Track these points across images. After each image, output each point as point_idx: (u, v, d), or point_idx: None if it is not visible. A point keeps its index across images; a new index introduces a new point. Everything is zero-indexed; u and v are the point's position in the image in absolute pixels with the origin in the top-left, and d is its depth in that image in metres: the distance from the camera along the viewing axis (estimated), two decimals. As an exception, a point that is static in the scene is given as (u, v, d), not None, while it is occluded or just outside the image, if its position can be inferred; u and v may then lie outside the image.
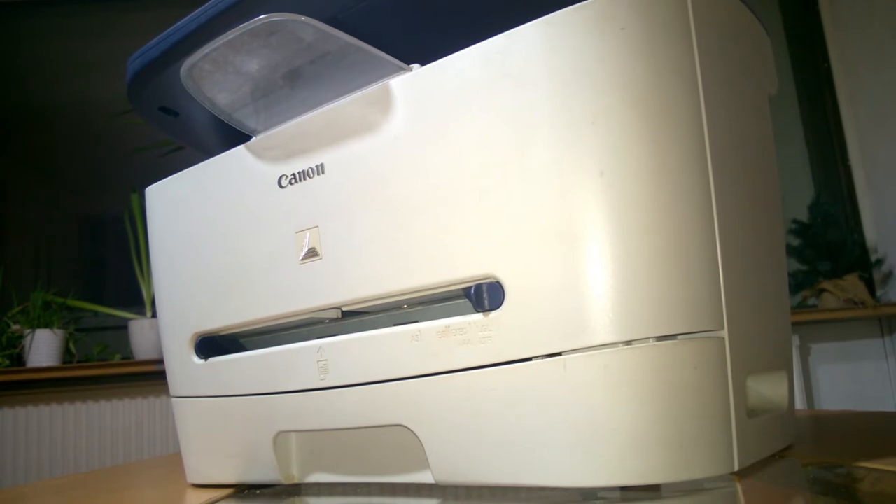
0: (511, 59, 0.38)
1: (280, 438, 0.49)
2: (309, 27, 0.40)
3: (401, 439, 0.44)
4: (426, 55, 0.42)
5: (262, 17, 0.40)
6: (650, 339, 0.36)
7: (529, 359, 0.37)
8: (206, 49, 0.42)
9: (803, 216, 1.97)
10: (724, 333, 0.38)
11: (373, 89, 0.43)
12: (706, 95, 0.38)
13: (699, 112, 0.38)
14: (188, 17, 0.50)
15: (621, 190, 0.36)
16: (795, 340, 2.01)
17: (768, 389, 0.45)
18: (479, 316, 0.39)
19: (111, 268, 2.35)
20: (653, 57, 0.37)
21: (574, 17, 0.37)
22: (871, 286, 2.05)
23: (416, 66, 0.42)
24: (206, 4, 0.49)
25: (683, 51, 0.38)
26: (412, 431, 0.42)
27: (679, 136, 0.37)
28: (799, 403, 2.02)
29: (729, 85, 0.42)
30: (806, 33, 2.14)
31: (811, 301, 2.03)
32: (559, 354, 0.37)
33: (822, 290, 1.95)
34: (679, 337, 0.37)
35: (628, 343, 0.36)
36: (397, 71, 0.43)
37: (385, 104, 0.43)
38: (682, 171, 0.37)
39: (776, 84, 0.53)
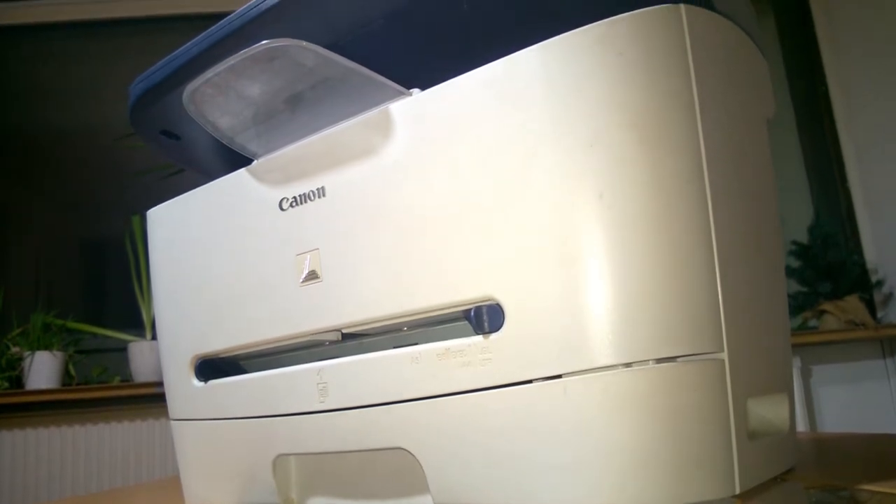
0: (510, 83, 0.39)
1: (279, 461, 0.49)
2: (310, 52, 0.41)
3: (401, 462, 0.44)
4: (426, 79, 0.42)
5: (263, 42, 0.40)
6: (650, 362, 0.36)
7: (530, 381, 0.37)
8: (209, 74, 0.43)
9: (803, 237, 1.98)
10: (724, 355, 0.38)
11: (373, 113, 0.44)
12: (703, 118, 0.39)
13: (697, 135, 0.38)
14: (190, 42, 0.51)
15: (620, 212, 0.36)
16: (797, 362, 2.01)
17: (769, 411, 0.45)
18: (479, 338, 0.39)
19: (111, 290, 2.35)
20: (650, 81, 0.37)
21: (572, 42, 0.38)
22: (871, 307, 2.05)
23: (416, 90, 0.43)
24: (209, 30, 0.50)
25: (681, 75, 0.38)
26: (412, 454, 0.42)
27: (677, 158, 0.37)
28: (801, 425, 2.01)
29: (726, 108, 0.42)
30: (803, 57, 2.16)
31: (812, 322, 2.02)
32: (559, 377, 0.37)
33: (823, 312, 1.95)
34: (679, 359, 0.37)
35: (628, 365, 0.36)
36: (398, 95, 0.43)
37: (385, 128, 0.43)
38: (681, 194, 0.37)
39: (773, 107, 0.53)
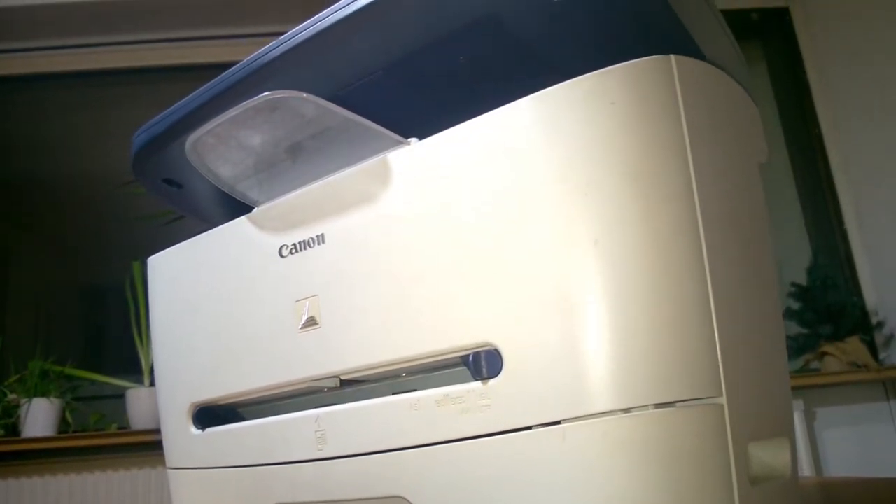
0: (506, 133, 0.39)
1: (277, 511, 0.48)
2: (310, 104, 0.42)
3: (400, 511, 0.44)
4: (424, 128, 0.43)
5: (265, 94, 0.41)
6: (649, 407, 0.36)
7: (529, 427, 0.37)
8: (211, 124, 0.44)
9: (802, 279, 1.98)
10: (723, 400, 0.38)
11: (372, 162, 0.44)
12: (696, 165, 0.39)
13: (690, 181, 0.39)
14: (193, 93, 0.52)
15: (615, 258, 0.37)
16: (800, 405, 1.99)
17: (771, 456, 0.45)
18: (477, 384, 0.39)
19: (110, 336, 2.35)
20: (643, 129, 0.38)
21: (566, 93, 0.39)
22: (873, 349, 2.04)
23: (414, 139, 0.44)
24: (212, 82, 0.51)
25: (672, 122, 0.39)
26: (410, 503, 0.41)
27: (671, 204, 0.38)
28: (805, 469, 1.98)
29: (718, 154, 0.43)
30: (796, 101, 2.20)
31: (814, 365, 2.01)
32: (558, 423, 0.37)
33: (825, 354, 1.94)
34: (678, 404, 0.37)
35: (627, 411, 0.36)
36: (396, 145, 0.44)
37: (384, 177, 0.44)
38: (676, 239, 0.38)
39: (766, 152, 0.54)
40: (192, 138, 0.45)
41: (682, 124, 0.39)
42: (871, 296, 2.13)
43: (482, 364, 0.39)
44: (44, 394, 1.89)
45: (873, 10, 1.93)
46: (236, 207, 0.51)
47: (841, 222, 2.13)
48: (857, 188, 2.12)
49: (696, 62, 0.42)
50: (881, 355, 2.08)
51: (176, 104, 0.53)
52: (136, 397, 1.95)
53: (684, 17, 0.43)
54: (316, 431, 0.45)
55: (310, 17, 0.47)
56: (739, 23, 2.14)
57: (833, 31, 2.09)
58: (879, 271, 2.11)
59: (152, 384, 1.91)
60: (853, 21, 2.02)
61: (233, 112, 0.42)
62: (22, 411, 1.86)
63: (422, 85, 0.50)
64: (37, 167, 2.39)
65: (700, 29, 0.45)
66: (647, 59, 0.39)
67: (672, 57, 0.40)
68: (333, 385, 0.46)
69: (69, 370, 1.98)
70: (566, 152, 0.38)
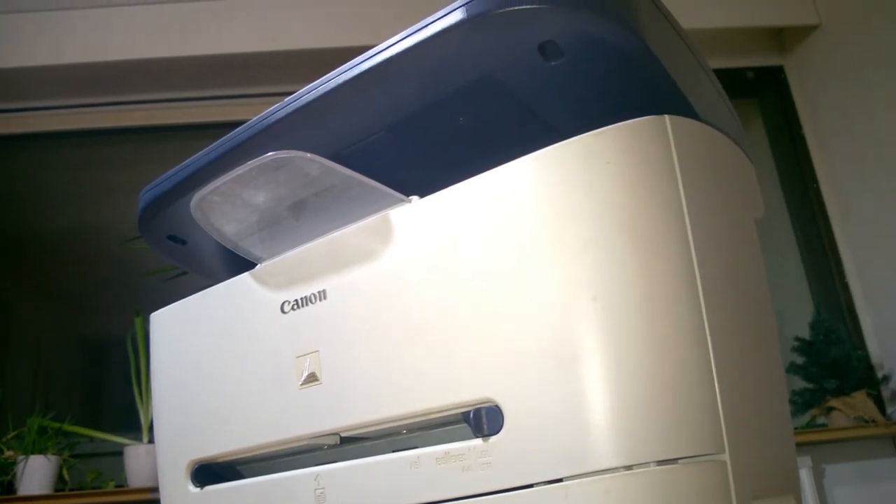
0: (504, 191, 0.40)
1: (276, 572, 0.47)
2: (314, 163, 0.43)
3: (400, 572, 0.43)
4: (425, 186, 0.44)
5: (269, 154, 0.42)
6: (651, 464, 0.36)
7: (530, 485, 0.37)
8: (216, 183, 0.44)
9: (805, 333, 1.97)
10: (726, 457, 0.38)
11: (374, 220, 0.45)
12: (692, 221, 0.40)
13: (686, 237, 0.39)
14: (199, 153, 0.53)
15: (614, 314, 0.37)
16: (808, 461, 1.95)
17: (776, 515, 0.44)
18: (478, 441, 0.39)
19: (110, 391, 2.33)
20: (638, 187, 0.39)
21: (562, 153, 0.39)
22: (880, 403, 2.01)
23: (414, 197, 0.44)
24: (217, 142, 0.52)
25: (668, 180, 0.40)
26: (412, 563, 0.41)
27: (668, 261, 0.39)
28: (817, 529, 1.93)
29: (714, 210, 0.43)
30: (793, 156, 2.22)
31: (820, 420, 1.98)
32: (560, 480, 0.36)
33: (831, 409, 1.91)
34: (680, 461, 0.36)
35: (629, 468, 0.36)
36: (397, 202, 0.45)
37: (385, 234, 0.44)
38: (674, 295, 0.38)
39: (762, 208, 0.55)
40: (197, 196, 0.45)
41: (677, 182, 0.40)
42: (875, 348, 2.11)
43: (483, 421, 0.39)
44: (41, 451, 1.86)
45: (865, 66, 1.97)
46: (239, 263, 0.52)
47: (842, 275, 2.13)
48: (856, 241, 2.12)
49: (690, 122, 0.43)
50: (888, 410, 2.06)
51: (182, 163, 0.55)
52: (135, 454, 1.92)
53: (678, 79, 0.44)
54: (316, 489, 0.45)
55: (315, 79, 0.49)
56: (735, 81, 2.18)
57: (827, 88, 2.13)
58: (882, 324, 2.10)
59: (151, 441, 1.89)
60: (846, 78, 2.06)
61: (238, 171, 0.43)
62: (18, 468, 1.83)
63: (423, 144, 0.51)
64: (39, 222, 2.41)
65: (694, 89, 0.46)
66: (642, 120, 0.40)
67: (667, 117, 0.41)
68: (334, 442, 0.46)
69: (67, 426, 1.96)
70: (564, 210, 0.39)
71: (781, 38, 2.22)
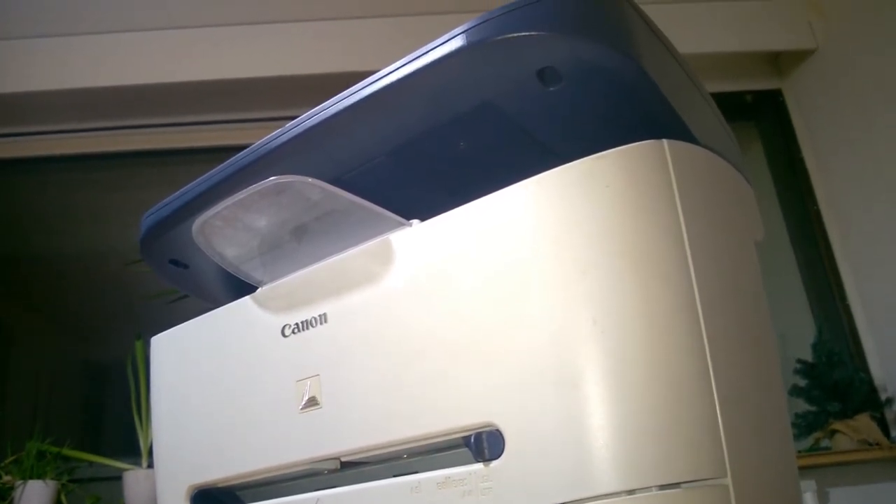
0: (504, 216, 0.40)
1: None
2: (315, 188, 0.43)
3: None
4: (425, 210, 0.44)
5: (271, 178, 0.43)
6: (653, 489, 0.36)
7: (532, 510, 0.37)
8: (218, 207, 0.45)
9: (807, 355, 1.96)
10: (728, 480, 0.37)
11: (374, 243, 0.45)
12: (692, 244, 0.40)
13: (686, 261, 0.40)
14: (201, 177, 0.54)
15: (614, 337, 0.37)
16: (812, 485, 1.94)
17: (780, 540, 0.44)
18: (479, 466, 0.39)
19: (110, 415, 2.31)
20: (638, 211, 0.39)
21: (561, 177, 0.40)
22: (884, 426, 2.00)
23: (415, 221, 0.45)
24: (219, 167, 0.52)
25: (667, 204, 0.40)
26: (413, 590, 0.40)
27: (668, 284, 0.39)
28: (823, 553, 1.90)
29: (713, 234, 0.44)
30: (793, 178, 2.23)
31: (824, 443, 1.97)
32: (562, 506, 0.36)
33: (835, 432, 1.90)
34: (683, 485, 0.36)
35: (631, 492, 0.35)
36: (397, 226, 0.45)
37: (386, 257, 0.44)
38: (674, 317, 0.38)
39: (762, 231, 0.55)
40: (199, 221, 0.46)
41: (676, 206, 0.40)
42: (878, 370, 2.10)
43: (484, 445, 0.39)
44: (39, 475, 1.84)
45: (863, 89, 1.99)
46: (241, 287, 0.52)
47: (843, 297, 2.13)
48: (857, 263, 2.12)
49: (688, 146, 0.43)
50: (893, 432, 2.04)
51: (184, 187, 0.55)
52: (134, 479, 1.90)
53: (676, 103, 0.44)
54: (316, 515, 0.45)
55: (316, 104, 0.49)
56: (733, 104, 2.20)
57: (825, 111, 2.15)
58: (885, 346, 2.09)
59: (150, 466, 1.88)
60: (844, 100, 2.07)
61: (240, 196, 0.44)
62: (16, 494, 1.82)
63: (423, 168, 0.52)
64: (39, 246, 2.41)
65: (691, 114, 0.47)
66: (641, 144, 0.40)
67: (665, 141, 0.41)
68: (334, 467, 0.46)
69: (66, 451, 1.95)
70: (564, 234, 0.39)
71: (779, 62, 2.24)
